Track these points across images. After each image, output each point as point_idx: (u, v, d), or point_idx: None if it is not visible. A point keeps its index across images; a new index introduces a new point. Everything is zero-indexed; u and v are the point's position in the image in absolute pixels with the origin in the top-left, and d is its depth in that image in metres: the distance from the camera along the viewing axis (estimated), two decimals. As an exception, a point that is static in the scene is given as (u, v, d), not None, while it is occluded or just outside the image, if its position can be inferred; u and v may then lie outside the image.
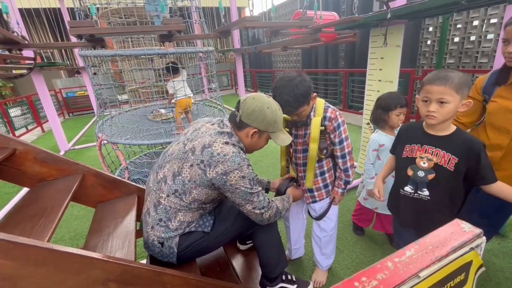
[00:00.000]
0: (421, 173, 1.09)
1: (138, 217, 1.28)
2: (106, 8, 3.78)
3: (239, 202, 1.04)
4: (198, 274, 1.07)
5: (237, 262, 1.49)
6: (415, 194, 1.12)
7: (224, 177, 0.97)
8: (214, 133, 1.04)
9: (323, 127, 1.22)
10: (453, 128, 1.06)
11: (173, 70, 2.98)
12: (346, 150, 1.26)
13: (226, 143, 1.02)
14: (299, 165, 1.37)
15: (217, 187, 1.01)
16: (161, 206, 1.04)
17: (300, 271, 1.68)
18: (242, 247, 1.58)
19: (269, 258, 1.25)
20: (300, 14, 2.82)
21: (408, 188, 1.13)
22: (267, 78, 8.69)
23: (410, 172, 1.11)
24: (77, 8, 2.67)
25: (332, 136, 1.24)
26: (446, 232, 0.49)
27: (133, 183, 1.39)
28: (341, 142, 1.24)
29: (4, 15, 1.23)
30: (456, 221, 0.52)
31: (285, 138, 1.15)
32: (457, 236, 0.48)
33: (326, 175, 1.35)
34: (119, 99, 3.31)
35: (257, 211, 1.07)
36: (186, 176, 1.00)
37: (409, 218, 1.19)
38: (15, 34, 1.24)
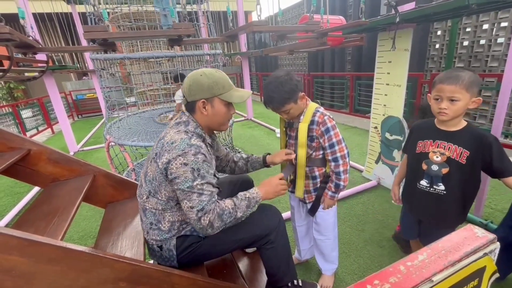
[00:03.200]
0: (435, 167, 1.13)
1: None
2: (116, 12, 3.86)
3: (179, 196, 0.95)
4: (205, 275, 1.07)
5: (243, 264, 1.49)
6: (431, 189, 1.16)
7: (167, 165, 0.92)
8: (171, 125, 1.04)
9: (312, 133, 1.24)
10: (463, 123, 1.10)
11: (181, 78, 3.04)
12: (338, 154, 1.23)
13: (179, 131, 0.99)
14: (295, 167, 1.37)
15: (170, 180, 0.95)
16: (147, 210, 1.05)
17: (307, 274, 1.67)
18: (248, 250, 1.58)
19: (275, 270, 1.22)
20: (307, 19, 2.83)
21: (424, 182, 1.18)
22: (273, 82, 8.71)
23: (424, 166, 1.16)
24: (89, 13, 2.75)
25: (321, 140, 1.24)
26: (459, 236, 0.49)
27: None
28: (331, 146, 1.22)
29: (21, 20, 1.27)
30: (469, 226, 0.52)
31: (241, 94, 1.09)
32: (470, 241, 0.48)
33: (318, 180, 1.34)
34: (127, 102, 3.38)
35: (194, 213, 0.92)
36: (151, 175, 0.99)
37: (423, 211, 1.25)
38: (30, 38, 1.28)
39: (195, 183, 0.92)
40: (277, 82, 1.16)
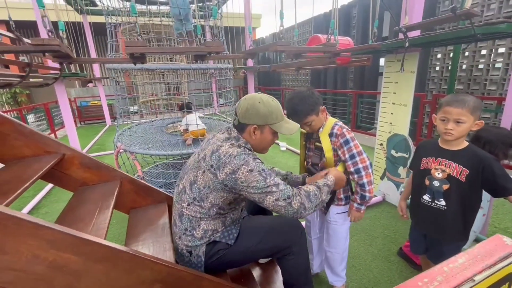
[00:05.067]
0: (436, 183, 1.22)
1: (171, 224, 1.32)
2: (130, 23, 4.00)
3: (259, 197, 1.00)
4: (229, 282, 1.10)
5: (257, 274, 1.50)
6: (433, 204, 1.25)
7: (233, 176, 0.98)
8: (222, 139, 1.09)
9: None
10: (465, 144, 1.19)
11: (186, 108, 3.20)
12: (360, 165, 1.26)
13: (232, 145, 1.05)
14: None
15: (231, 188, 1.02)
16: (184, 216, 1.08)
17: (318, 287, 1.69)
18: (261, 260, 1.60)
19: (294, 281, 1.23)
20: (316, 39, 2.98)
21: (426, 197, 1.27)
22: (276, 96, 8.87)
23: (427, 182, 1.25)
24: (109, 23, 2.87)
25: (339, 152, 1.30)
26: (490, 244, 0.55)
27: (164, 192, 1.46)
28: (352, 157, 1.26)
29: (60, 32, 1.35)
30: (497, 235, 0.58)
31: (290, 127, 1.15)
32: (501, 248, 0.54)
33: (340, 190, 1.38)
34: (140, 110, 3.46)
35: (282, 202, 1.00)
36: (201, 183, 1.04)
37: (425, 225, 1.33)
38: (69, 48, 1.36)
39: (267, 180, 1.00)
40: (301, 96, 1.27)
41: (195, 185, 1.06)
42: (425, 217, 1.31)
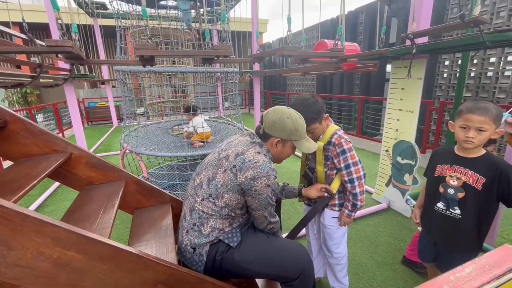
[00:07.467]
0: (451, 191, 1.19)
1: (174, 226, 1.33)
2: (140, 26, 4.07)
3: (256, 206, 1.07)
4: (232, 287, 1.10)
5: (260, 280, 1.50)
6: (447, 212, 1.21)
7: (251, 182, 1.01)
8: (246, 143, 1.11)
9: (328, 152, 1.33)
10: (482, 151, 1.16)
11: (193, 110, 3.23)
12: (354, 176, 1.29)
13: (258, 152, 1.08)
14: (315, 182, 1.45)
15: (244, 192, 1.05)
16: (195, 210, 1.09)
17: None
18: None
19: None
20: (323, 44, 2.98)
21: (440, 205, 1.23)
22: (281, 100, 8.89)
23: (441, 189, 1.22)
24: (119, 27, 2.93)
25: (335, 161, 1.31)
26: (499, 254, 0.54)
27: (168, 193, 1.46)
28: (347, 167, 1.29)
29: (73, 34, 1.38)
30: (506, 245, 0.57)
31: (310, 146, 1.18)
32: (510, 258, 0.52)
33: (336, 196, 1.40)
34: (146, 112, 3.51)
35: (267, 221, 1.14)
36: (219, 181, 1.06)
37: (438, 233, 1.28)
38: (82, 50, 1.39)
39: (272, 200, 1.09)
40: (304, 104, 1.27)
41: (213, 181, 1.07)
42: (438, 225, 1.27)
